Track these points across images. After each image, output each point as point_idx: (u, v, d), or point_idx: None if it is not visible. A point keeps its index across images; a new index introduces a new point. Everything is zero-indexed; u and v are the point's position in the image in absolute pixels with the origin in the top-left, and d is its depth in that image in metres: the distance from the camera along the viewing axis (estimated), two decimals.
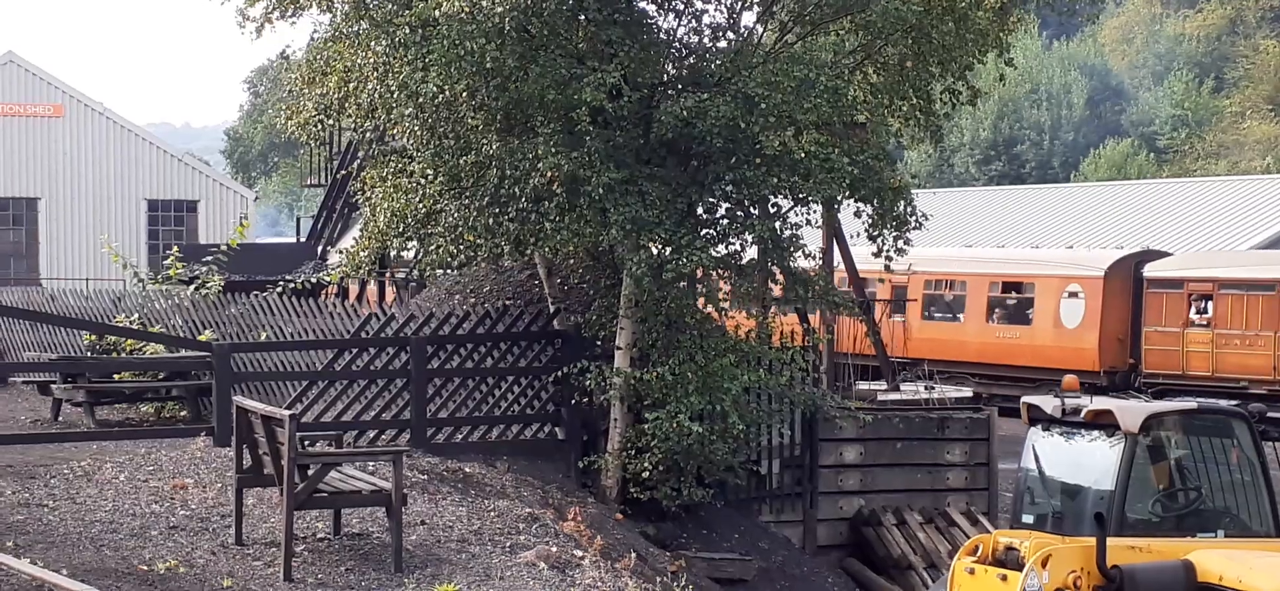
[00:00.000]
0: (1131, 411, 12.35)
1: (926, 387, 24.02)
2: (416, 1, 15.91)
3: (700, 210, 17.44)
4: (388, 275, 25.38)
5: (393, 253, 21.85)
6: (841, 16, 17.76)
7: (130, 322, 21.14)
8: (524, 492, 15.80)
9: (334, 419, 16.54)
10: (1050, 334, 31.64)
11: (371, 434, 16.78)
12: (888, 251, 17.87)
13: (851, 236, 20.72)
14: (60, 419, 19.45)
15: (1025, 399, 13.38)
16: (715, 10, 17.84)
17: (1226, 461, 12.81)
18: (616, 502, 17.22)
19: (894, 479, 20.23)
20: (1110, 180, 61.73)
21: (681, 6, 17.56)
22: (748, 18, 18.17)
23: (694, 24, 17.77)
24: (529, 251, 17.82)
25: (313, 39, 18.10)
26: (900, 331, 30.94)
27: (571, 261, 18.70)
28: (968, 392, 26.46)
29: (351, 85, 17.10)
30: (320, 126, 18.61)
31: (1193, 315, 29.67)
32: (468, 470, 16.10)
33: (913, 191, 18.35)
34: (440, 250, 17.61)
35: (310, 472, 12.75)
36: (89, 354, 20.74)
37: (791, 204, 17.80)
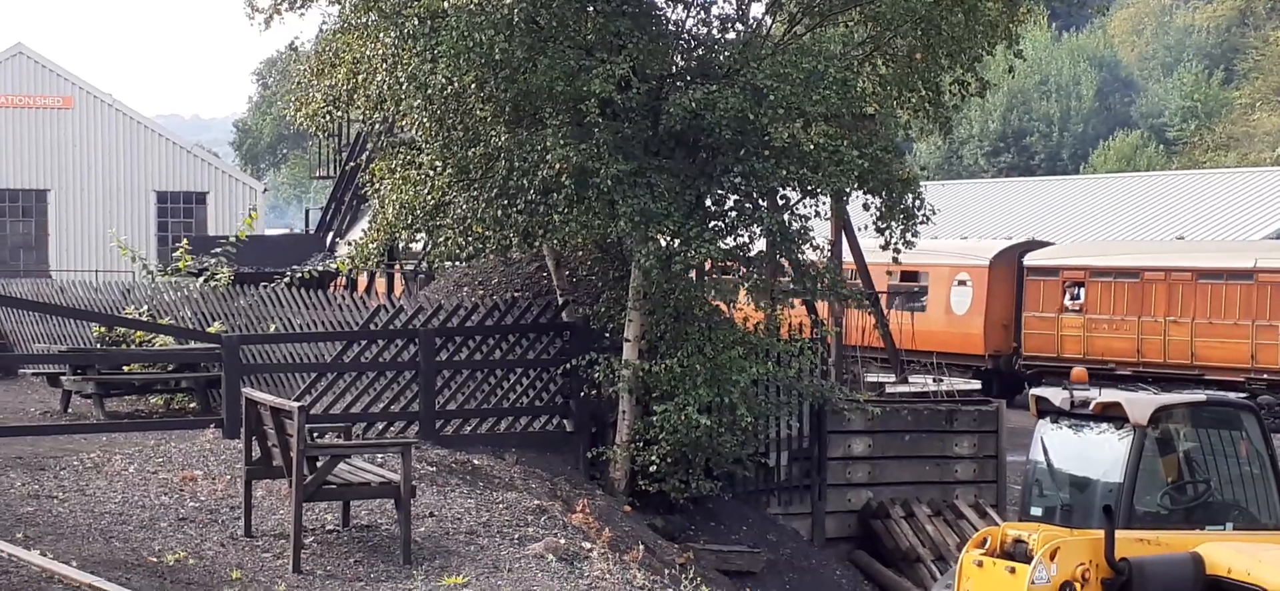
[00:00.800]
0: (1140, 404, 12.33)
1: (934, 380, 24.02)
2: None
3: (709, 202, 17.43)
4: (396, 267, 25.39)
5: (401, 244, 21.87)
6: (850, 8, 17.75)
7: (139, 314, 21.16)
8: (532, 484, 15.80)
9: (343, 411, 16.55)
10: (942, 320, 33.22)
11: (380, 426, 16.80)
12: (896, 244, 17.86)
13: (860, 228, 20.70)
14: (70, 410, 19.49)
15: (1034, 391, 13.37)
16: (724, 2, 17.85)
17: (1235, 454, 12.79)
18: (625, 495, 17.23)
19: (902, 471, 20.23)
20: (1119, 171, 61.66)
21: None
22: (756, 9, 18.17)
23: (702, 15, 17.78)
24: (537, 243, 17.82)
25: (321, 31, 18.14)
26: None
27: (580, 253, 18.71)
28: (976, 385, 26.48)
29: (360, 77, 17.11)
30: (329, 118, 18.65)
31: (1067, 301, 31.92)
32: (476, 462, 16.11)
33: (921, 183, 18.33)
34: (449, 242, 17.62)
35: (319, 464, 12.76)
36: (98, 346, 20.77)
37: (800, 196, 17.79)
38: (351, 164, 27.48)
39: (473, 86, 16.17)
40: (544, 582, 12.51)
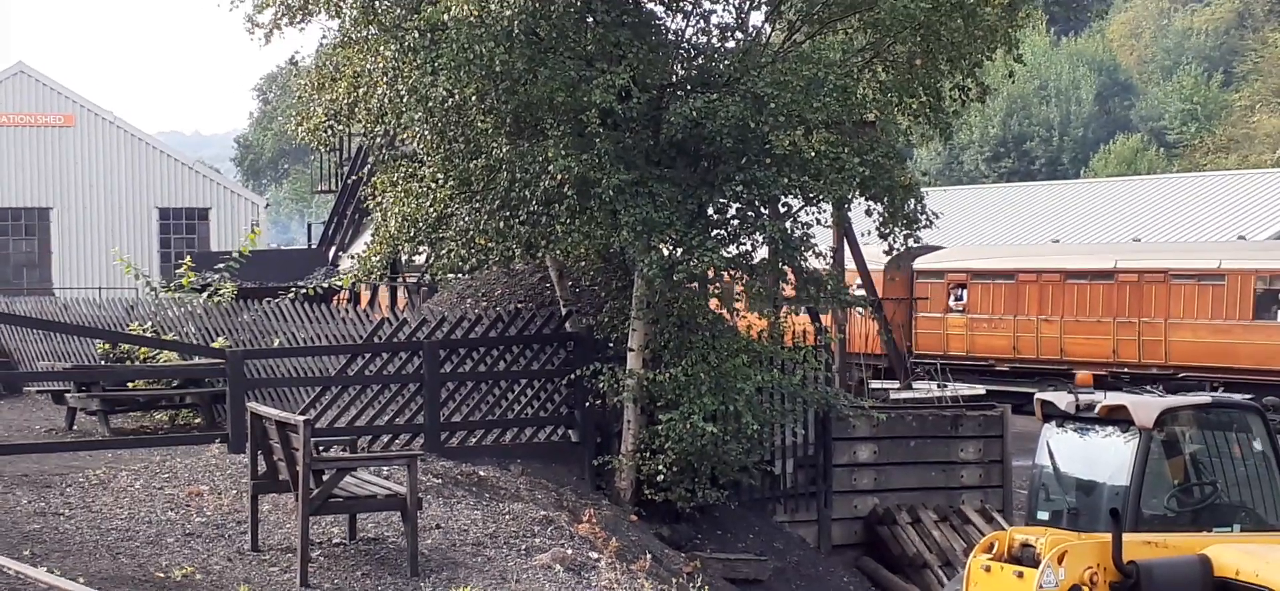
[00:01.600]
0: (1146, 406, 12.31)
1: (939, 386, 24.02)
2: (425, 6, 15.93)
3: (711, 211, 17.42)
4: (399, 280, 25.40)
5: (404, 257, 21.88)
6: (850, 15, 17.74)
7: (143, 331, 21.17)
8: (538, 495, 15.80)
9: (348, 424, 16.55)
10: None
11: (385, 438, 16.80)
12: (897, 248, 17.85)
13: (862, 234, 20.69)
14: (75, 427, 19.50)
15: (1039, 395, 13.36)
16: (723, 10, 17.84)
17: (1241, 455, 12.77)
18: (631, 504, 17.22)
19: (908, 477, 20.22)
20: (1120, 175, 61.68)
21: (689, 7, 17.55)
22: (756, 17, 18.17)
23: (702, 24, 17.78)
24: (540, 254, 17.82)
25: (322, 45, 18.16)
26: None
27: (583, 264, 18.71)
28: (980, 391, 26.48)
29: (361, 90, 17.12)
30: (330, 132, 18.65)
31: (951, 302, 34.77)
32: (482, 473, 16.11)
33: (922, 189, 18.33)
34: (451, 254, 17.62)
35: (325, 478, 12.77)
36: (103, 362, 20.78)
37: (802, 203, 17.79)
38: (353, 178, 27.50)
39: (474, 98, 16.17)
40: None
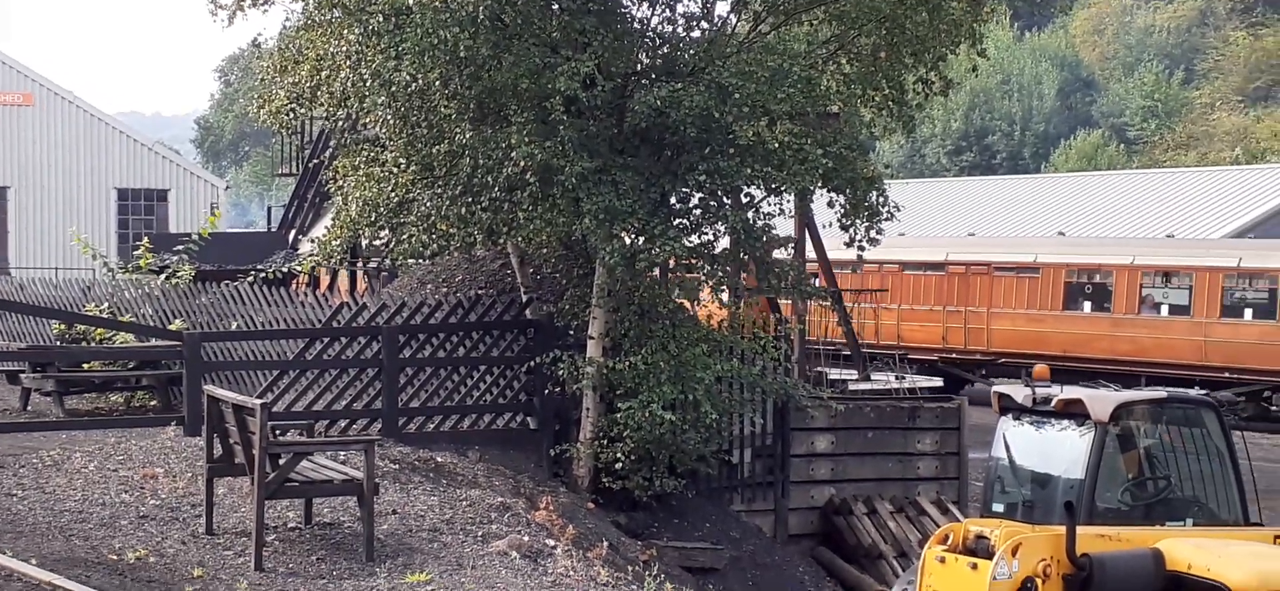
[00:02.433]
0: (1102, 400, 12.39)
1: (897, 377, 24.09)
2: None
3: (673, 200, 17.43)
4: (360, 264, 25.30)
5: (365, 242, 21.78)
6: (815, 6, 17.78)
7: (100, 312, 21.02)
8: (496, 482, 15.78)
9: (305, 408, 16.48)
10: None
11: (343, 423, 16.74)
12: (860, 242, 17.90)
13: (823, 226, 20.74)
14: (29, 408, 19.34)
15: (996, 388, 13.42)
16: (689, 0, 17.84)
17: (1195, 450, 12.85)
18: (588, 492, 17.22)
19: (865, 468, 20.29)
20: (1080, 171, 62.05)
21: None
22: (721, 7, 18.19)
23: (668, 13, 17.77)
24: (502, 241, 17.79)
25: (285, 27, 18.08)
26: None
27: (544, 251, 18.69)
28: (938, 382, 26.58)
29: (324, 74, 17.04)
30: (292, 115, 18.55)
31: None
32: (439, 459, 16.07)
33: (885, 181, 18.39)
34: (413, 239, 17.56)
35: (281, 462, 12.71)
36: (58, 343, 20.62)
37: (764, 194, 17.82)
38: (315, 161, 27.36)
39: (437, 83, 16.12)
40: (507, 579, 12.50)
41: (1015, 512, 12.61)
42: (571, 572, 12.86)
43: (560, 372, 17.20)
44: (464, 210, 16.84)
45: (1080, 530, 11.40)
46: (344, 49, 16.59)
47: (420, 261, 19.82)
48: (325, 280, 26.43)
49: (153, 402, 19.34)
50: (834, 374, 23.59)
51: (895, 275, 35.42)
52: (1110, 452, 12.39)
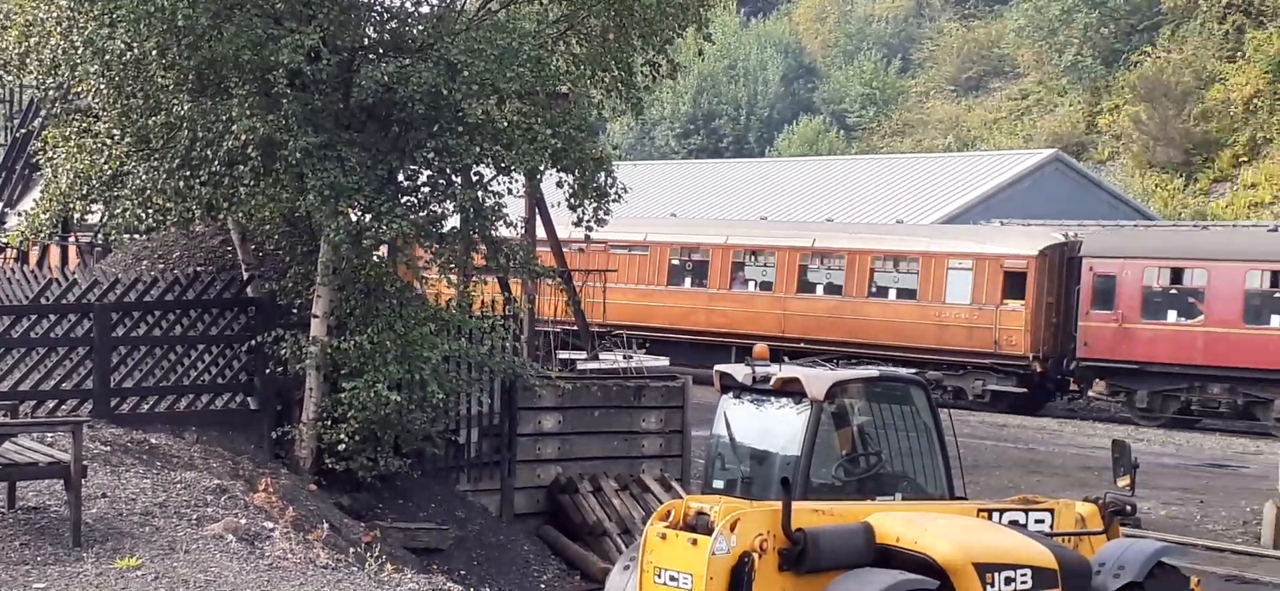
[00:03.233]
0: (817, 379, 12.72)
1: (625, 357, 24.34)
2: None
3: (401, 177, 17.26)
4: (71, 239, 24.31)
5: (77, 216, 20.94)
6: None
7: None
8: (213, 464, 15.39)
9: (10, 388, 15.77)
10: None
11: (51, 404, 16.07)
12: (588, 222, 18.02)
13: (553, 205, 20.81)
14: None
15: (718, 367, 13.66)
16: None
17: (906, 427, 13.32)
18: (311, 473, 16.94)
19: (591, 447, 20.49)
20: (802, 156, 63.77)
21: None
22: None
23: None
24: (222, 216, 17.34)
25: None
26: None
27: (267, 227, 18.27)
28: (664, 362, 26.95)
29: (33, 40, 16.31)
30: None
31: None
32: (154, 441, 15.58)
33: (614, 163, 18.56)
34: (127, 214, 16.95)
35: None
36: None
37: (494, 173, 17.78)
38: (23, 131, 26.22)
39: (154, 53, 15.61)
40: (223, 563, 12.21)
41: (735, 489, 12.86)
42: (290, 555, 12.63)
43: (283, 352, 16.86)
44: (181, 184, 16.34)
45: (796, 505, 11.71)
46: (54, 15, 15.90)
47: (136, 237, 19.15)
48: (35, 255, 25.31)
49: None
50: (564, 354, 23.72)
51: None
52: (825, 429, 12.71)
